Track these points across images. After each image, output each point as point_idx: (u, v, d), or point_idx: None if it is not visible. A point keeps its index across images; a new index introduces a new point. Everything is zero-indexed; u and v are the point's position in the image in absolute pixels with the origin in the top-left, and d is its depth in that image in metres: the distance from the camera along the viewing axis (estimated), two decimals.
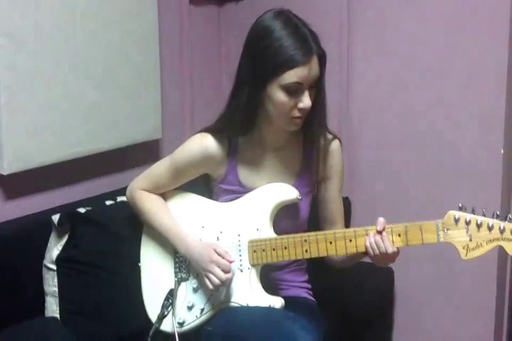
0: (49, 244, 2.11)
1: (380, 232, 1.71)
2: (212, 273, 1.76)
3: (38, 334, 1.98)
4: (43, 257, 2.11)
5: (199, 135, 1.90)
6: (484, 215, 1.61)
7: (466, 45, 2.42)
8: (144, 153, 2.54)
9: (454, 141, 2.49)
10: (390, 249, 1.69)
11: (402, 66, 2.54)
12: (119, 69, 2.35)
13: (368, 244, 1.71)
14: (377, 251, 1.70)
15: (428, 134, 2.53)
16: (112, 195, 2.26)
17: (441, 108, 2.50)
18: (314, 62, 1.72)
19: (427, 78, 2.51)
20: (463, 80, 2.44)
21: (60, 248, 2.09)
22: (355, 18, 2.59)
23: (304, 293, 1.98)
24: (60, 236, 2.10)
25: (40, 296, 2.10)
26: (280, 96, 1.73)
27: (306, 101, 1.73)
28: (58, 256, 2.07)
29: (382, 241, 1.69)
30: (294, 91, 1.72)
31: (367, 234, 1.72)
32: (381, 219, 1.72)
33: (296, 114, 1.76)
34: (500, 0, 2.33)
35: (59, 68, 2.15)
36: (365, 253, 1.76)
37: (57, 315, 2.07)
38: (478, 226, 1.61)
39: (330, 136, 1.90)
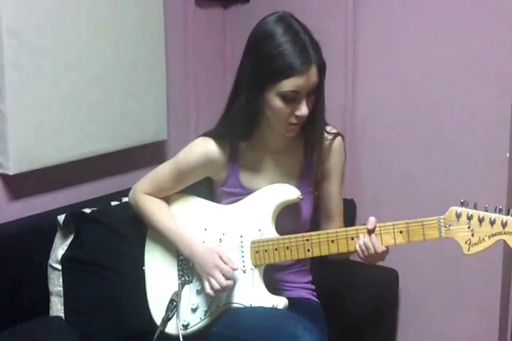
0: (54, 244, 2.12)
1: (371, 231, 1.72)
2: (214, 278, 1.77)
3: (42, 334, 1.98)
4: (48, 257, 2.11)
5: (201, 139, 1.90)
6: (486, 210, 1.61)
7: (472, 46, 2.41)
8: (150, 154, 2.55)
9: (459, 143, 2.48)
10: (380, 249, 1.70)
11: (407, 67, 2.54)
12: (124, 71, 2.36)
13: (357, 246, 1.72)
14: (366, 253, 1.72)
15: (432, 136, 2.53)
16: (118, 195, 2.27)
17: (446, 109, 2.49)
18: (313, 71, 1.71)
19: (431, 79, 2.50)
20: (468, 82, 2.44)
21: (65, 248, 2.09)
22: (360, 19, 2.59)
23: (308, 294, 1.98)
24: (65, 236, 2.11)
25: (45, 296, 2.10)
26: (277, 103, 1.73)
27: (303, 110, 1.73)
28: (63, 256, 2.08)
29: (371, 242, 1.70)
30: (291, 99, 1.72)
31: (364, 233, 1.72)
32: (372, 218, 1.73)
33: (293, 120, 1.76)
34: (507, 3, 2.33)
35: (64, 68, 2.16)
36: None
37: (62, 315, 2.08)
38: (480, 220, 1.60)
39: (333, 132, 1.90)
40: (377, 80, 2.62)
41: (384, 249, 1.71)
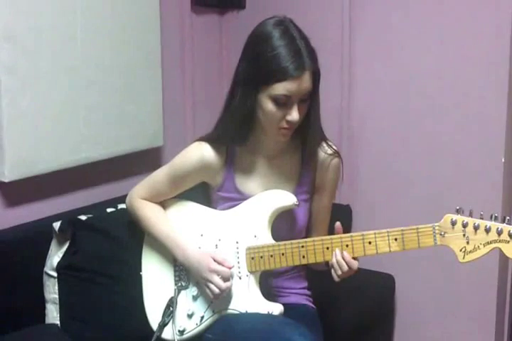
0: (50, 251, 2.11)
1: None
2: (212, 283, 1.77)
3: None
4: (43, 264, 2.11)
5: (197, 143, 1.91)
6: (482, 218, 1.60)
7: (468, 50, 2.41)
8: (146, 161, 2.55)
9: (455, 147, 2.48)
10: (355, 267, 1.72)
11: (404, 70, 2.54)
12: (120, 77, 2.36)
13: (334, 260, 1.73)
14: (341, 270, 1.73)
15: (429, 141, 2.53)
16: (113, 202, 2.26)
17: (442, 114, 2.49)
18: (306, 77, 1.71)
19: (427, 84, 2.50)
20: (464, 86, 2.44)
21: (61, 255, 2.09)
22: (356, 22, 2.59)
23: (304, 300, 1.98)
24: (60, 243, 2.10)
25: (41, 303, 2.10)
26: (269, 105, 1.73)
27: (293, 115, 1.73)
28: (59, 263, 2.08)
29: (344, 259, 1.71)
30: (282, 103, 1.72)
31: (363, 239, 1.71)
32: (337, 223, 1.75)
33: (284, 125, 1.76)
34: (502, 5, 2.33)
35: (60, 73, 2.16)
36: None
37: (58, 322, 2.07)
38: (475, 228, 1.59)
39: (330, 151, 1.89)
40: (373, 85, 2.62)
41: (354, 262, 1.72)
